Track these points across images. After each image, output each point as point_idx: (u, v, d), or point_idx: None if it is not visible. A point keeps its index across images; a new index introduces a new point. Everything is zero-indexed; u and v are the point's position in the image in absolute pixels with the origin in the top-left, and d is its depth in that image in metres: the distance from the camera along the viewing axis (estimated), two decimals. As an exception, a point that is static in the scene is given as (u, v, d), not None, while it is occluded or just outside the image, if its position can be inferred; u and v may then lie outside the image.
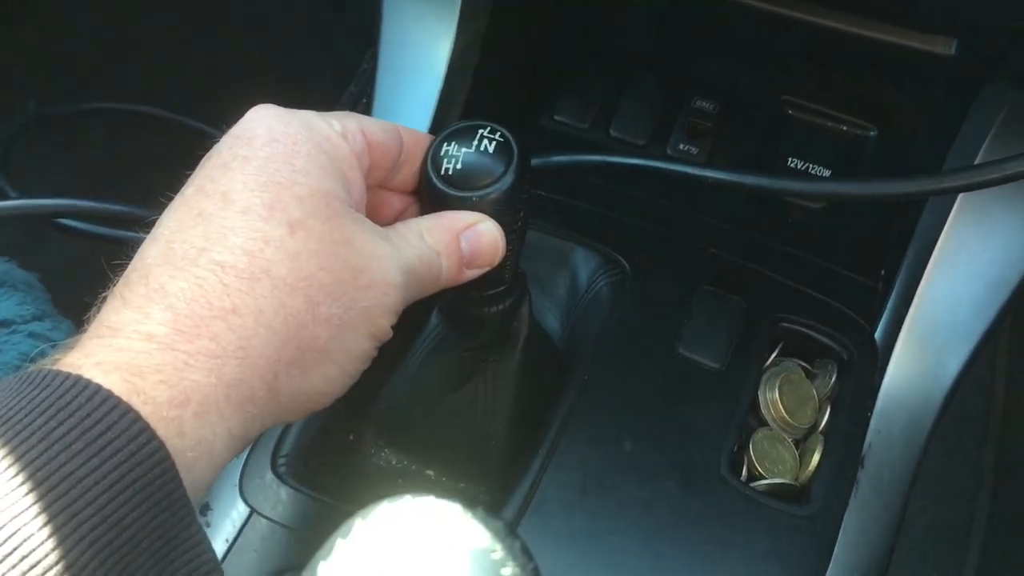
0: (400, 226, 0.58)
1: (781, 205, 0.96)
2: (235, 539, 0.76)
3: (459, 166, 0.60)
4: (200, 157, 0.54)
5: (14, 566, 0.39)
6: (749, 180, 0.75)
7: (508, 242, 0.63)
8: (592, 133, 1.02)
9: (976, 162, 0.81)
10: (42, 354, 0.49)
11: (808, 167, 0.97)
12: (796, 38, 0.85)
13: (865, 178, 0.73)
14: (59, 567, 0.40)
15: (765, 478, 0.80)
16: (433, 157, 0.61)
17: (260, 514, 0.77)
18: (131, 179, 0.89)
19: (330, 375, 0.53)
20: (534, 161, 0.72)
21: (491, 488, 0.83)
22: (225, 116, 0.56)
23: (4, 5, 1.56)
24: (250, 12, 1.67)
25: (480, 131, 0.62)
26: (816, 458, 0.80)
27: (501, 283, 0.69)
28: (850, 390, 0.84)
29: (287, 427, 0.81)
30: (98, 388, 0.43)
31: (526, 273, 0.73)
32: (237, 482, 0.78)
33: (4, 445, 0.41)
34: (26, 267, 0.86)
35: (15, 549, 0.39)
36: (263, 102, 0.56)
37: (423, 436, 0.83)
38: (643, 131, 1.01)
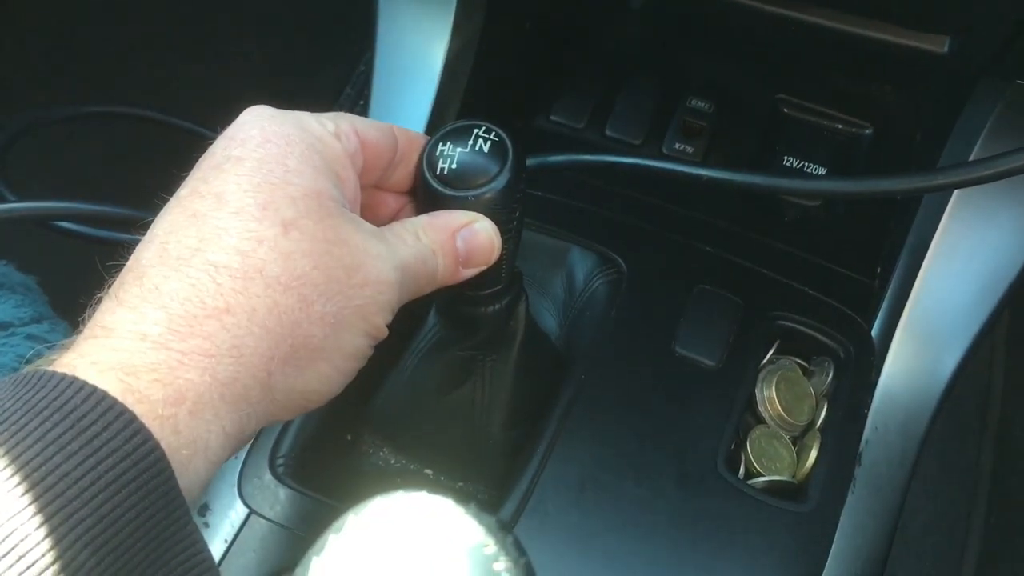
0: (396, 225, 0.58)
1: (777, 203, 0.96)
2: (234, 539, 0.76)
3: (454, 165, 0.61)
4: (196, 159, 0.54)
5: (11, 566, 0.39)
6: (744, 179, 0.75)
7: (504, 241, 0.63)
8: (588, 133, 1.02)
9: (971, 158, 0.81)
10: (39, 356, 0.49)
11: (804, 166, 0.98)
12: (791, 37, 0.85)
13: (859, 176, 0.73)
14: (55, 567, 0.40)
15: (762, 475, 0.80)
16: (428, 157, 0.61)
17: (259, 514, 0.77)
18: (129, 182, 0.89)
19: (325, 374, 0.53)
20: (530, 161, 0.72)
21: (489, 487, 0.83)
22: (223, 119, 0.56)
23: (2, 7, 1.56)
24: (248, 15, 1.67)
25: (475, 130, 0.62)
26: (813, 455, 0.81)
27: (498, 282, 0.69)
28: (847, 387, 0.84)
29: (285, 427, 0.82)
30: (93, 389, 0.43)
31: (523, 272, 0.74)
32: (236, 482, 0.78)
33: (0, 446, 0.41)
34: (24, 270, 0.86)
35: (12, 549, 0.39)
36: (259, 104, 0.57)
37: (421, 435, 0.84)
38: (639, 130, 1.01)
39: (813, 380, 0.86)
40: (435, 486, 0.77)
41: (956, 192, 0.83)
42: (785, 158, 0.98)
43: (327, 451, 0.83)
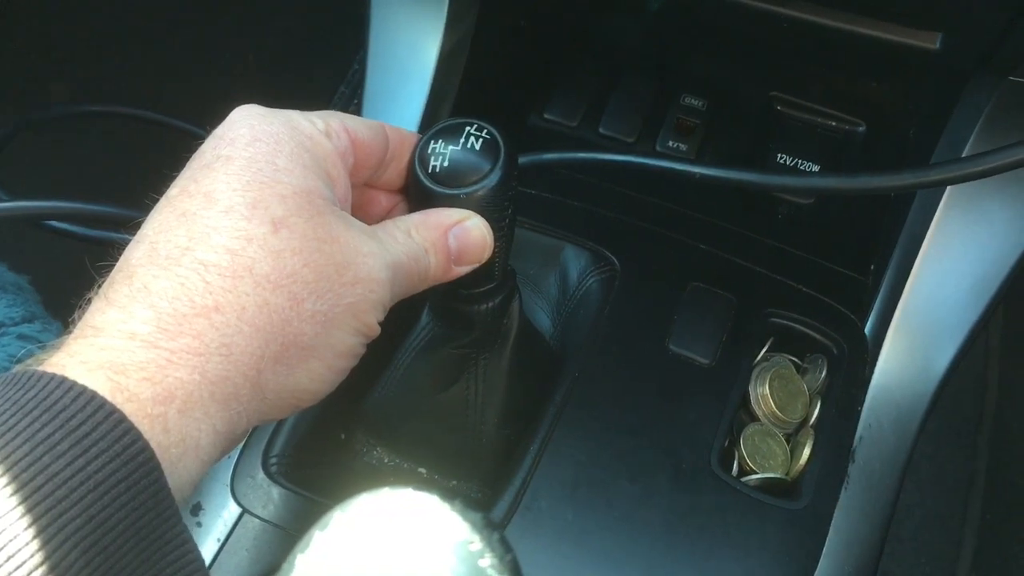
0: (387, 224, 0.58)
1: (771, 201, 0.96)
2: (226, 539, 0.76)
3: (446, 163, 0.61)
4: (188, 159, 0.54)
5: (0, 566, 0.39)
6: (736, 176, 0.75)
7: (496, 239, 0.63)
8: (581, 131, 1.02)
9: (964, 154, 0.81)
10: (30, 355, 0.49)
11: (797, 163, 0.98)
12: (784, 34, 0.85)
13: (852, 172, 0.73)
14: (44, 567, 0.40)
15: (756, 473, 0.80)
16: (420, 154, 0.61)
17: (251, 514, 0.77)
18: (123, 182, 0.89)
19: (316, 372, 0.53)
20: (523, 159, 0.72)
21: (483, 485, 0.83)
22: (217, 119, 0.56)
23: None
24: (243, 16, 1.67)
25: (467, 128, 0.62)
26: (807, 452, 0.81)
27: (491, 280, 0.69)
28: (840, 385, 0.84)
29: (278, 427, 0.81)
30: (83, 389, 0.43)
31: (516, 271, 0.73)
32: (228, 482, 0.78)
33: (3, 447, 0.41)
34: (16, 270, 0.86)
35: (0, 549, 0.39)
36: (252, 103, 0.56)
37: (414, 434, 0.84)
38: (632, 128, 1.01)
39: (807, 377, 0.86)
40: (428, 484, 0.77)
41: (949, 189, 0.83)
42: (778, 155, 0.98)
43: (320, 450, 0.83)
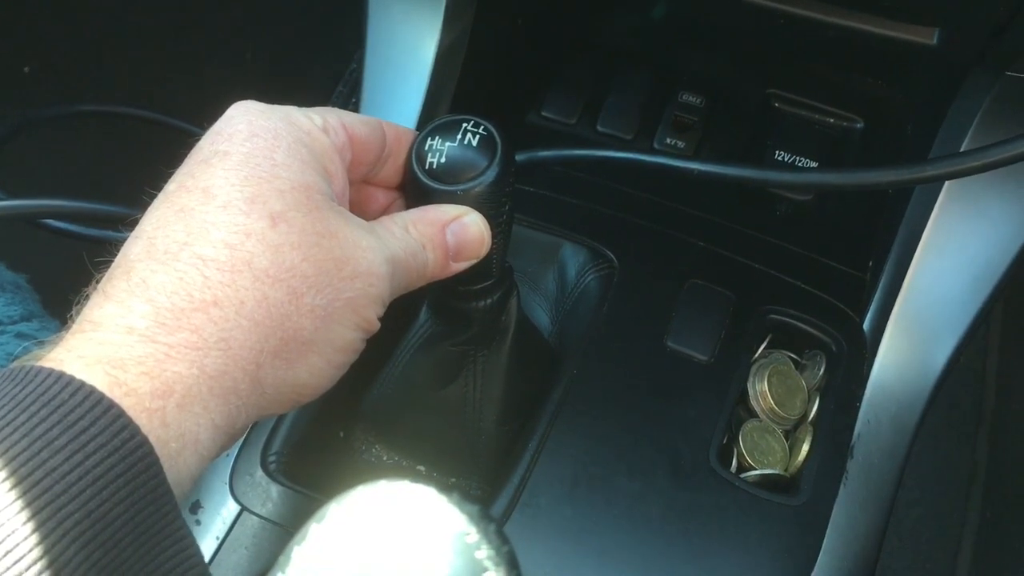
0: (385, 219, 0.58)
1: (769, 198, 0.96)
2: (225, 536, 0.76)
3: (443, 160, 0.60)
4: (185, 156, 0.54)
5: None
6: (733, 172, 0.75)
7: (494, 235, 0.63)
8: (579, 128, 1.02)
9: (962, 150, 0.81)
10: (27, 353, 0.49)
11: (795, 160, 0.98)
12: (781, 31, 0.85)
13: (849, 168, 0.73)
14: (43, 562, 0.40)
15: (755, 469, 0.80)
16: (417, 151, 0.61)
17: (250, 511, 0.77)
18: (121, 181, 0.89)
19: (316, 367, 0.53)
20: (521, 156, 0.72)
21: (482, 482, 0.83)
22: (214, 118, 0.56)
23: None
24: (240, 14, 1.67)
25: (464, 125, 0.62)
26: (805, 449, 0.81)
27: (488, 277, 0.69)
28: (839, 381, 0.84)
29: (276, 424, 0.81)
30: (81, 383, 0.43)
31: (514, 268, 0.73)
32: (227, 480, 0.78)
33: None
34: (14, 268, 0.86)
35: None
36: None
37: (413, 431, 0.83)
38: (630, 126, 1.01)
39: (805, 374, 0.86)
40: (427, 481, 0.77)
41: (947, 184, 0.83)
42: (777, 152, 0.98)
43: (319, 448, 0.83)
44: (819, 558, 0.76)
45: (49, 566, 0.40)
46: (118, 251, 0.52)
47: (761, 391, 0.83)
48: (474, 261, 0.62)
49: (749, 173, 0.75)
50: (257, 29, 1.67)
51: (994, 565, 1.11)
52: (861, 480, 0.80)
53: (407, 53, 0.94)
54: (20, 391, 0.43)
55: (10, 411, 0.42)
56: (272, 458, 0.80)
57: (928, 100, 0.90)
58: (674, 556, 0.74)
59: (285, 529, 0.76)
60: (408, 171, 0.62)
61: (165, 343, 0.46)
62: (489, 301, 0.71)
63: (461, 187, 0.60)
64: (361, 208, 0.64)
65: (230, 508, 0.77)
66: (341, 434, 0.85)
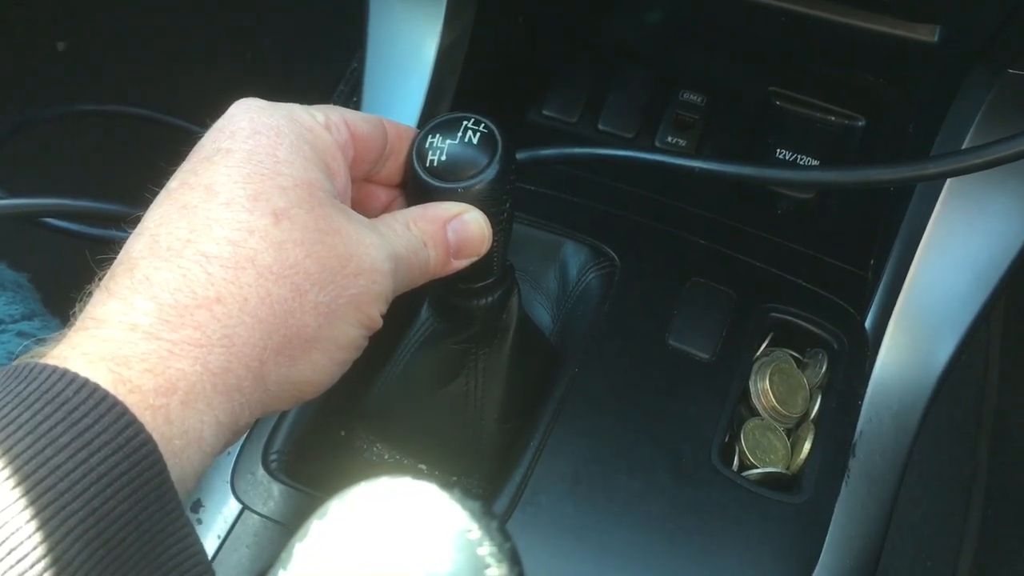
0: (386, 217, 0.58)
1: (770, 196, 0.96)
2: (227, 535, 0.76)
3: (443, 158, 0.61)
4: (186, 155, 0.54)
5: (2, 559, 0.39)
6: (734, 169, 0.75)
7: (494, 233, 0.63)
8: (580, 127, 1.02)
9: (963, 147, 0.81)
10: (28, 351, 0.49)
11: (796, 158, 0.97)
12: (782, 29, 0.85)
13: (850, 165, 0.73)
14: (47, 560, 0.39)
15: (757, 467, 0.80)
16: (418, 149, 0.61)
17: (252, 510, 0.77)
18: (121, 180, 0.89)
19: (319, 364, 0.53)
20: (521, 155, 0.72)
21: (484, 481, 0.83)
22: (216, 117, 0.56)
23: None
24: (241, 14, 1.67)
25: (464, 123, 0.62)
26: (807, 447, 0.80)
27: (489, 275, 0.69)
28: (841, 379, 0.84)
29: (278, 423, 0.81)
30: (85, 381, 0.43)
31: (515, 267, 0.73)
32: (229, 478, 0.78)
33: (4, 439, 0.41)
34: (15, 267, 0.86)
35: (3, 543, 0.39)
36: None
37: (415, 430, 0.83)
38: (631, 124, 1.01)
39: (807, 372, 0.86)
40: (429, 480, 0.77)
41: (949, 182, 0.83)
42: (778, 151, 0.98)
43: (320, 447, 0.83)
44: (821, 556, 0.76)
45: (52, 564, 0.40)
46: (120, 249, 0.51)
47: (763, 389, 0.83)
48: (475, 258, 0.62)
49: (750, 171, 0.76)
50: (258, 28, 1.67)
51: (996, 563, 1.11)
52: (863, 478, 0.80)
53: (408, 52, 0.94)
54: (24, 388, 0.43)
55: (14, 408, 0.42)
56: (273, 457, 0.80)
57: (929, 98, 0.90)
58: (675, 554, 0.74)
59: (286, 528, 0.76)
60: (409, 169, 0.62)
61: (169, 340, 0.46)
62: (490, 299, 0.71)
63: (462, 185, 0.60)
64: (362, 206, 0.64)
65: (231, 507, 0.77)
66: (342, 433, 0.85)
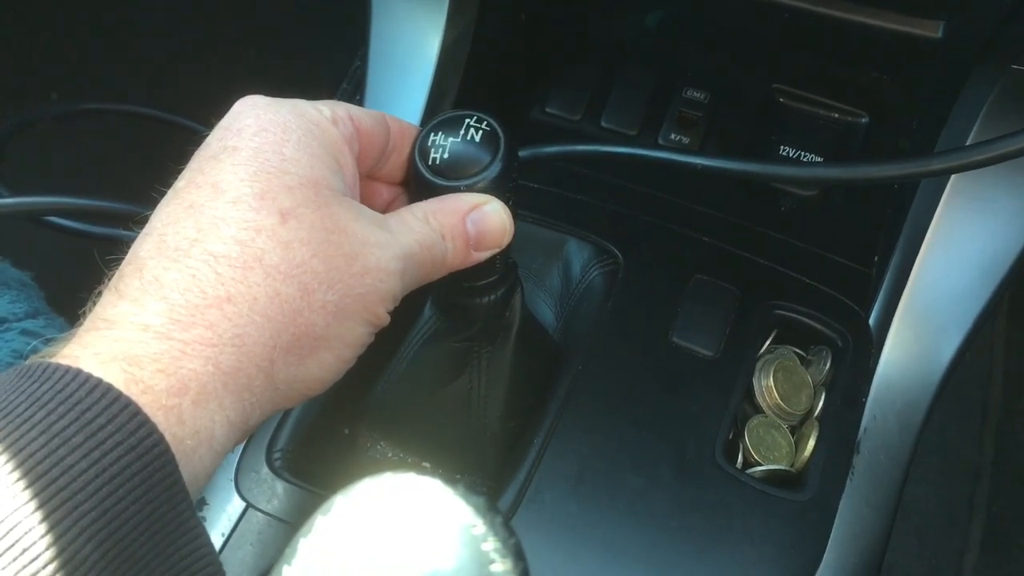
0: (402, 211, 0.58)
1: (774, 193, 0.96)
2: (231, 533, 0.76)
3: (446, 155, 0.60)
4: (191, 154, 0.54)
5: (15, 559, 0.39)
6: (737, 166, 0.75)
7: None
8: (583, 125, 1.02)
9: (967, 143, 0.81)
10: (35, 351, 0.49)
11: (800, 155, 0.97)
12: (785, 26, 0.85)
13: (854, 162, 0.73)
14: (59, 561, 0.40)
15: (761, 465, 0.80)
16: (421, 147, 0.61)
17: (256, 508, 0.77)
18: (124, 179, 0.89)
19: (326, 362, 0.53)
20: (524, 152, 0.72)
21: (488, 479, 0.83)
22: (219, 116, 0.56)
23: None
24: (244, 12, 1.67)
25: (467, 120, 0.62)
26: (811, 444, 0.80)
27: (492, 273, 0.69)
28: (845, 376, 0.84)
29: (281, 421, 0.81)
30: (98, 381, 0.43)
31: (518, 264, 0.73)
32: (232, 476, 0.78)
33: (4, 439, 0.41)
34: (20, 266, 0.86)
35: (15, 543, 0.39)
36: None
37: (418, 428, 0.83)
38: (634, 122, 1.01)
39: (811, 369, 0.86)
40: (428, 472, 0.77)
41: (953, 178, 0.83)
42: (781, 147, 0.98)
43: (324, 445, 0.83)
44: (825, 554, 0.75)
45: (64, 564, 0.40)
46: (123, 250, 0.52)
47: (767, 386, 0.83)
48: (496, 250, 0.62)
49: (753, 167, 0.75)
50: (261, 26, 1.67)
51: (1001, 560, 1.11)
52: (867, 475, 0.80)
53: (411, 50, 0.94)
54: (37, 388, 0.43)
55: (27, 408, 0.42)
56: (277, 455, 0.80)
57: (933, 94, 0.90)
58: (679, 552, 0.74)
59: (290, 526, 0.76)
60: (411, 167, 0.62)
61: (180, 340, 0.46)
62: (493, 297, 0.71)
63: (465, 183, 0.60)
64: (365, 203, 0.63)
65: (235, 505, 0.77)
66: (346, 431, 0.85)
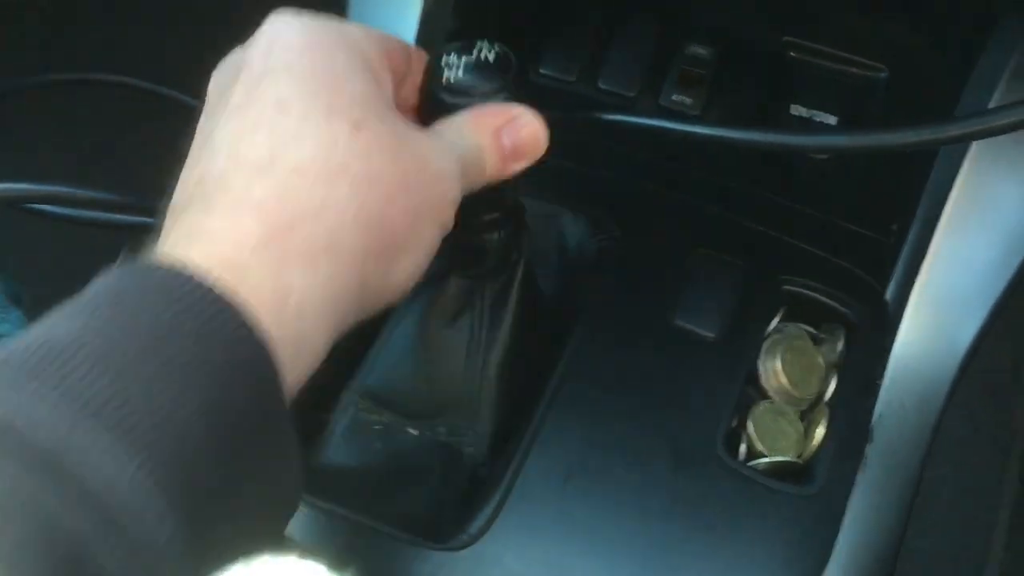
0: (438, 125, 0.59)
1: (783, 156, 0.89)
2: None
3: (460, 74, 0.62)
4: (181, 129, 0.54)
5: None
6: (740, 135, 0.70)
7: None
8: (579, 86, 0.96)
9: (991, 103, 0.74)
10: None
11: (813, 114, 0.90)
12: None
13: (865, 129, 0.67)
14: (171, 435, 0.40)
15: (766, 456, 0.75)
16: (434, 68, 0.62)
17: None
18: (109, 155, 0.85)
19: (407, 267, 0.54)
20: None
21: (476, 439, 0.79)
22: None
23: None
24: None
25: (479, 43, 0.64)
26: (821, 432, 0.75)
27: (502, 207, 0.70)
28: (859, 356, 0.79)
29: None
30: (224, 289, 0.43)
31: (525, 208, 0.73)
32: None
33: (128, 325, 0.41)
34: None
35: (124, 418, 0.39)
36: None
37: (412, 383, 0.80)
38: (633, 82, 0.94)
39: (823, 349, 0.80)
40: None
41: (974, 143, 0.76)
42: (792, 107, 0.91)
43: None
44: (834, 551, 0.71)
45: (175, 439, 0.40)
46: (120, 237, 0.54)
47: (774, 369, 0.77)
48: (533, 160, 0.63)
49: (757, 136, 0.70)
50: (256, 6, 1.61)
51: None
52: (881, 465, 0.74)
53: (391, 13, 0.88)
54: (167, 283, 0.43)
55: (152, 304, 0.42)
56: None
57: (957, 48, 0.82)
58: (676, 553, 0.69)
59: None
60: (425, 87, 0.63)
61: (279, 249, 0.47)
62: (502, 233, 0.71)
63: (479, 101, 0.61)
64: None
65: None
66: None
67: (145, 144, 0.52)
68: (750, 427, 0.75)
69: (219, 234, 0.47)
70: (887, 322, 0.79)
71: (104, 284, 0.45)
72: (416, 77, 0.63)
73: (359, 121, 0.51)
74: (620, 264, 0.82)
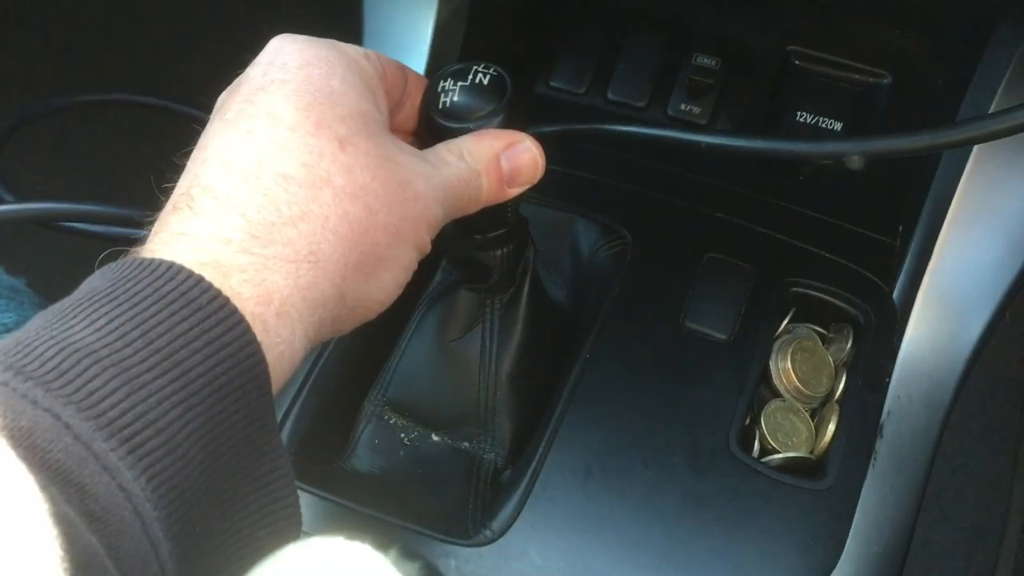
0: (439, 147, 0.61)
1: (790, 162, 0.91)
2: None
3: (456, 99, 0.63)
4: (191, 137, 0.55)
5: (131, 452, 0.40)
6: (746, 144, 0.71)
7: None
8: (589, 98, 0.98)
9: (991, 110, 0.76)
10: None
11: (818, 121, 0.92)
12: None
13: (869, 136, 0.68)
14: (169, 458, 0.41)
15: (778, 452, 0.77)
16: (431, 92, 0.64)
17: None
18: (129, 172, 0.87)
19: (386, 283, 0.56)
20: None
21: (496, 445, 0.81)
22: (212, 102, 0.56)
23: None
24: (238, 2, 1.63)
25: (474, 67, 0.65)
26: (832, 428, 0.77)
27: (504, 224, 0.71)
28: (867, 355, 0.80)
29: (282, 421, 0.79)
30: (209, 285, 0.45)
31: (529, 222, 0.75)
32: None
33: (130, 331, 0.42)
34: (12, 272, 0.84)
35: (132, 438, 0.40)
36: None
37: (429, 393, 0.83)
38: (642, 92, 0.96)
39: (831, 348, 0.82)
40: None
41: (977, 146, 0.77)
42: (798, 113, 0.93)
43: (326, 445, 0.81)
44: (846, 545, 0.72)
45: (174, 463, 0.41)
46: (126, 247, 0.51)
47: (784, 369, 0.79)
48: (529, 186, 0.65)
49: (761, 144, 0.71)
50: (262, 16, 1.63)
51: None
52: (891, 461, 0.76)
53: (406, 28, 0.90)
54: (163, 285, 0.44)
55: (153, 304, 0.44)
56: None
57: (957, 54, 0.84)
58: (693, 547, 0.71)
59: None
60: (423, 111, 0.65)
61: (261, 254, 0.48)
62: (506, 250, 0.73)
63: (474, 125, 0.63)
64: None
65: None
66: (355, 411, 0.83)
67: (169, 162, 0.54)
68: (763, 425, 0.77)
69: (204, 234, 0.48)
70: (895, 321, 0.81)
71: (102, 283, 0.45)
72: (415, 100, 0.65)
73: (346, 137, 0.53)
74: (632, 269, 0.84)
